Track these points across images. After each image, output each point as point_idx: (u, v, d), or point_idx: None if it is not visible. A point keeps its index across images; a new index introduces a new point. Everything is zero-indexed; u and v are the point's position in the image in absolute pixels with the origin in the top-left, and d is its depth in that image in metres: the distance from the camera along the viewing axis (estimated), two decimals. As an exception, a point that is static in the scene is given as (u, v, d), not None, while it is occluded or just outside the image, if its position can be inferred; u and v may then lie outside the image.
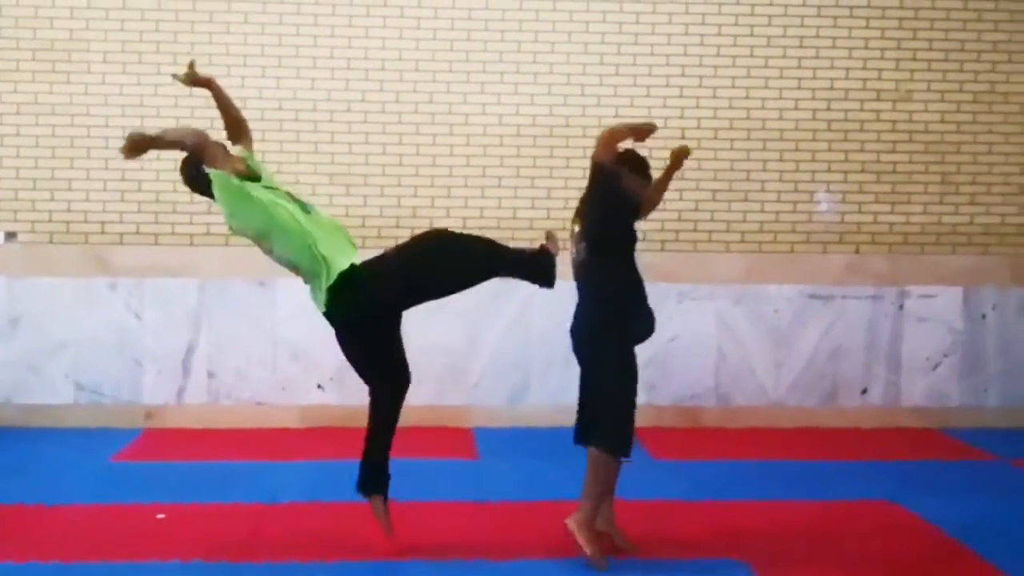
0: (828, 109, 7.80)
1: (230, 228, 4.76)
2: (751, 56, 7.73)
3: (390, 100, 7.57)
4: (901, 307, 7.78)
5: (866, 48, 7.79)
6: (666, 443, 7.02)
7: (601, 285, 4.83)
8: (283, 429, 7.37)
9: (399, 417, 4.90)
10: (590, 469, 4.81)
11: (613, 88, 7.65)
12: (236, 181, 4.62)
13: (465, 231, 5.45)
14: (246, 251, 5.29)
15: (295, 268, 4.68)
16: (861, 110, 7.81)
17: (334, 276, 4.54)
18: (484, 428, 7.43)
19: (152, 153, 4.75)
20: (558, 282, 4.84)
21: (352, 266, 4.57)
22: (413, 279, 4.68)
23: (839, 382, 7.75)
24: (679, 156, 5.08)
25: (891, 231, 7.85)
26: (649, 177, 5.05)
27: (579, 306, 4.92)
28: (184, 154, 4.75)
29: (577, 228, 4.94)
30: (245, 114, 5.10)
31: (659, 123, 5.25)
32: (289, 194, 4.77)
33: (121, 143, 4.56)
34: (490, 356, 7.56)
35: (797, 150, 7.79)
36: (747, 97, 7.74)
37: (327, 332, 4.87)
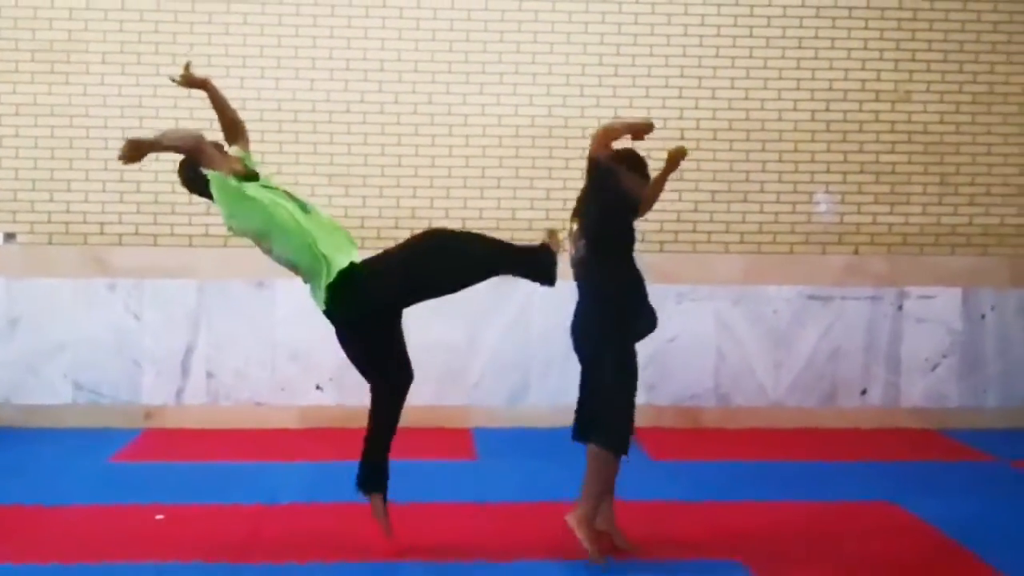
0: (827, 110, 7.80)
1: (229, 229, 4.76)
2: (750, 57, 7.74)
3: (389, 101, 7.58)
4: (900, 308, 7.78)
5: (865, 49, 7.79)
6: (665, 444, 7.02)
7: (601, 284, 4.83)
8: (282, 430, 7.36)
9: (400, 417, 4.89)
10: (590, 466, 4.81)
11: (612, 89, 7.65)
12: (234, 182, 4.62)
13: (466, 230, 5.45)
14: (245, 252, 5.30)
15: (295, 267, 4.68)
16: (860, 111, 7.82)
17: (334, 274, 4.54)
18: (483, 428, 7.43)
19: (151, 155, 4.74)
20: (558, 282, 4.84)
21: (352, 264, 4.58)
22: (413, 278, 4.68)
23: (838, 383, 7.75)
24: (676, 158, 5.08)
25: (890, 232, 7.85)
26: (647, 176, 5.04)
27: (579, 304, 4.92)
28: (181, 156, 4.76)
29: (575, 226, 4.94)
30: (244, 115, 5.11)
31: (658, 124, 5.23)
32: (287, 193, 4.77)
33: (120, 147, 4.56)
34: (490, 356, 7.56)
35: (796, 151, 7.79)
36: (746, 98, 7.74)
37: (326, 333, 4.87)
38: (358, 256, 4.64)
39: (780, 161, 7.78)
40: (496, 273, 4.87)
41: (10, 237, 7.44)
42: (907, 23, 7.80)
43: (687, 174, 7.43)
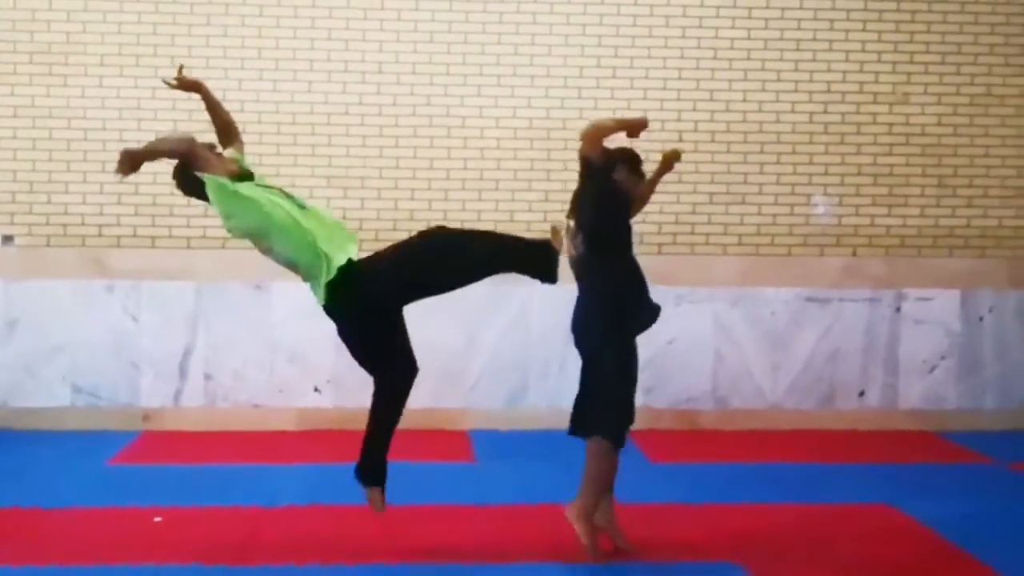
0: (825, 112, 7.80)
1: (228, 230, 4.76)
2: (748, 59, 7.74)
3: (387, 103, 7.58)
4: (898, 310, 7.78)
5: (863, 51, 7.80)
6: (663, 446, 7.02)
7: (600, 282, 4.84)
8: (280, 432, 7.36)
9: (401, 413, 4.85)
10: (589, 461, 4.82)
11: (610, 91, 7.65)
12: (230, 184, 4.62)
13: (468, 228, 5.43)
14: (243, 254, 5.29)
15: (295, 266, 4.67)
16: (858, 113, 7.82)
17: (334, 271, 4.54)
18: (481, 431, 7.43)
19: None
20: (558, 282, 4.83)
21: (351, 261, 4.57)
22: (413, 275, 4.67)
23: (836, 385, 7.76)
24: (670, 159, 5.08)
25: (888, 234, 7.85)
26: (642, 174, 5.03)
27: (579, 301, 4.93)
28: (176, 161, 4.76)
29: (572, 224, 4.94)
30: (242, 118, 5.13)
31: (656, 126, 5.23)
32: (283, 191, 4.77)
33: (116, 156, 4.56)
34: (488, 357, 7.56)
35: (794, 153, 7.80)
36: (744, 100, 7.74)
37: (324, 334, 4.87)
38: (357, 252, 4.64)
39: (778, 163, 7.79)
40: (497, 272, 4.86)
41: (8, 239, 7.44)
42: (905, 25, 7.81)
43: (685, 176, 7.44)
